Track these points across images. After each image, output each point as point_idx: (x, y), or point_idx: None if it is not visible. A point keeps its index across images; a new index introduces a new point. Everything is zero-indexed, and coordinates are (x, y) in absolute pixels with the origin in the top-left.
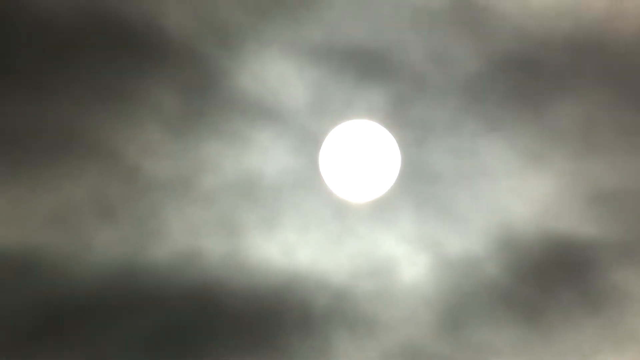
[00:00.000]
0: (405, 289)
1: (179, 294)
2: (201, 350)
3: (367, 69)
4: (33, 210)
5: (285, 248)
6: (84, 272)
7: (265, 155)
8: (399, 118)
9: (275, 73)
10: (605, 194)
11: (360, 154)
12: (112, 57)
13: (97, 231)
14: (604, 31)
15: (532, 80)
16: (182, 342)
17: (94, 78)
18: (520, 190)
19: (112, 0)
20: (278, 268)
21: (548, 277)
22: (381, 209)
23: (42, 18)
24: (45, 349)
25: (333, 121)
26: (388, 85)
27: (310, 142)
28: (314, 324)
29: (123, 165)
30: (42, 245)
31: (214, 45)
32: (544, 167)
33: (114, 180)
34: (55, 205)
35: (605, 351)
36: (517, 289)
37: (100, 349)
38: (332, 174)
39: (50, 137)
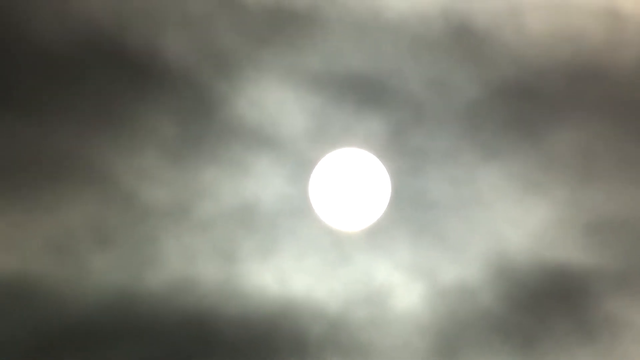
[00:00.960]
0: (399, 317)
1: (175, 321)
2: None
3: (365, 96)
4: (29, 237)
5: (281, 276)
6: (80, 298)
7: (262, 182)
8: (396, 146)
9: (273, 100)
10: (602, 223)
11: (352, 182)
12: (111, 84)
13: (93, 257)
14: (603, 60)
15: (530, 109)
16: None
17: (92, 105)
18: (516, 219)
19: (110, 27)
20: (273, 296)
21: (543, 306)
22: (376, 237)
23: (41, 45)
24: None
25: (331, 149)
26: (386, 113)
27: (307, 170)
28: (309, 351)
29: (120, 192)
30: (38, 271)
31: (212, 72)
32: (541, 196)
33: (111, 206)
34: (51, 231)
35: None
36: (512, 317)
37: None
38: (326, 202)
39: (48, 163)
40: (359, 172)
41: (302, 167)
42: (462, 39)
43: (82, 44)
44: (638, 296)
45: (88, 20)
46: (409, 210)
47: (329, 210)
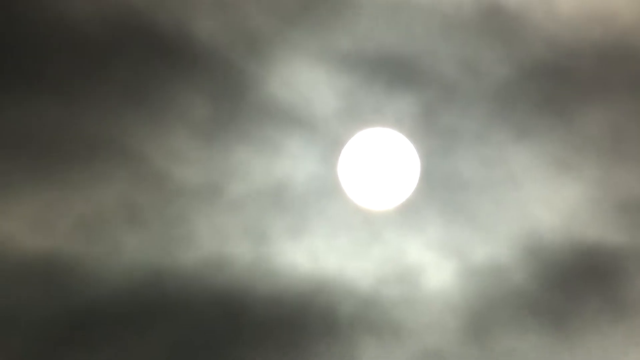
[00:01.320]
0: (431, 296)
1: (206, 300)
2: (227, 355)
3: (396, 76)
4: (62, 216)
5: (312, 255)
6: (112, 277)
7: (293, 162)
8: (427, 125)
9: (305, 80)
10: (633, 202)
11: (382, 161)
12: (143, 64)
13: (125, 237)
14: (634, 39)
15: (561, 89)
16: (209, 348)
17: (124, 85)
18: (547, 198)
19: (143, 8)
20: (305, 275)
21: (575, 285)
22: (407, 216)
23: (74, 25)
24: (73, 354)
25: (362, 129)
26: (417, 93)
27: (338, 150)
28: (340, 330)
29: (152, 171)
30: (70, 250)
31: (244, 53)
32: (572, 175)
33: (142, 186)
34: (84, 210)
35: (631, 357)
36: (543, 296)
37: (127, 353)
38: (356, 181)
39: (80, 143)
40: (388, 151)
41: (333, 147)
42: (493, 19)
43: (114, 25)
44: None
45: (120, 1)
46: (440, 190)
47: (359, 190)
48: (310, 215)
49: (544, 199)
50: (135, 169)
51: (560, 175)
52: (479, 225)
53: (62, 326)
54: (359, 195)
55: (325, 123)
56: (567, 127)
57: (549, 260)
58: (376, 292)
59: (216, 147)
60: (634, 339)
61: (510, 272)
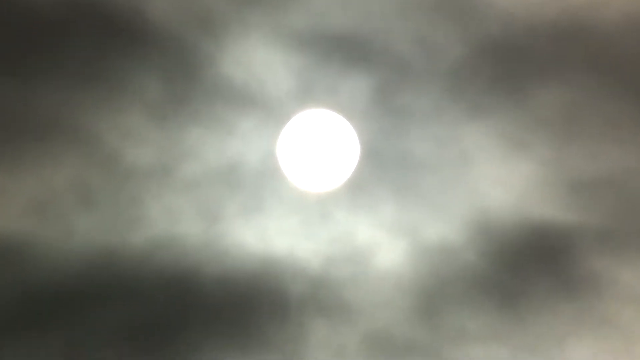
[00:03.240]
0: (381, 275)
1: (157, 280)
2: (178, 335)
3: (351, 56)
4: (13, 197)
5: (263, 235)
6: (64, 258)
7: (246, 142)
8: (380, 104)
9: (259, 60)
10: (586, 182)
11: (324, 142)
12: (95, 43)
13: (77, 218)
14: (589, 18)
15: (515, 67)
16: (160, 328)
17: (76, 64)
18: (500, 177)
19: None
20: (255, 255)
21: (526, 264)
22: (359, 196)
23: (26, 4)
24: (23, 336)
25: (316, 108)
26: (371, 73)
27: (291, 130)
28: (290, 310)
29: (104, 152)
30: (21, 231)
31: (197, 32)
32: (525, 154)
33: (95, 166)
34: (35, 191)
35: (581, 337)
36: (494, 275)
37: (79, 335)
38: (302, 161)
39: (32, 123)
40: (328, 131)
41: (286, 127)
42: None
43: (67, 3)
44: (620, 254)
45: None
46: (392, 169)
47: (303, 170)
48: (262, 196)
49: (496, 178)
50: (87, 150)
51: (513, 155)
52: (430, 205)
53: (12, 308)
54: (302, 175)
55: (279, 103)
56: (521, 106)
57: (500, 240)
58: (326, 272)
59: (169, 127)
60: (583, 318)
61: (461, 251)
